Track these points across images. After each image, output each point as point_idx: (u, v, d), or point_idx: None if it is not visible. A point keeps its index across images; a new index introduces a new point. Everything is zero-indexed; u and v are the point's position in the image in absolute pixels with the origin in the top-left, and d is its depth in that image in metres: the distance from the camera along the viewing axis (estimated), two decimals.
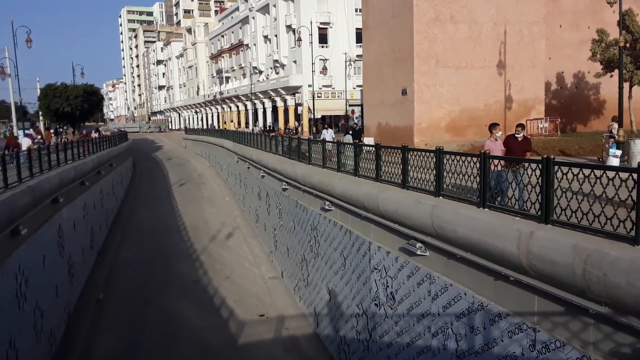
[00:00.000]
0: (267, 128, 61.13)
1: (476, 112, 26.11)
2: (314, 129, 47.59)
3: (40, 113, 67.35)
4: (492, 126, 11.40)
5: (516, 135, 11.06)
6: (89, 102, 64.43)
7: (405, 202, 10.58)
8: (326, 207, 15.55)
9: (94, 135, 45.54)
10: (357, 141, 18.20)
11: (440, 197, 9.87)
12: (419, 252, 10.04)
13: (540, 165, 7.36)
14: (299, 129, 57.55)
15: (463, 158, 9.32)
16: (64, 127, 69.02)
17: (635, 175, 6.08)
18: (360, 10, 37.03)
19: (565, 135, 27.60)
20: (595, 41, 25.01)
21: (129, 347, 17.22)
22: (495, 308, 8.05)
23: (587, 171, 6.63)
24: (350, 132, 24.18)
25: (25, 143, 23.63)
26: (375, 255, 12.37)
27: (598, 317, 6.22)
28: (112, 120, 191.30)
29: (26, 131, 40.18)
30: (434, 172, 10.06)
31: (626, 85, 21.60)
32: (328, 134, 22.86)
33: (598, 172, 6.49)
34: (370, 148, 13.66)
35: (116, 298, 21.31)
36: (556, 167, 7.17)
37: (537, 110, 27.29)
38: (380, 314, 12.23)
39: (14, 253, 12.25)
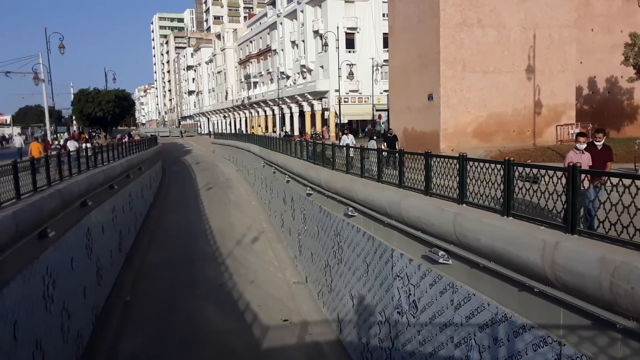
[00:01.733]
0: (286, 133, 61.45)
1: (504, 118, 25.69)
2: (340, 133, 47.55)
3: (73, 117, 69.11)
4: (579, 135, 9.49)
5: (596, 143, 9.35)
6: (120, 106, 65.73)
7: (428, 209, 10.42)
8: (349, 213, 15.47)
9: (125, 139, 46.53)
10: (401, 148, 16.69)
11: (464, 205, 9.70)
12: (441, 261, 9.87)
13: (566, 174, 7.16)
14: (325, 133, 57.56)
15: (487, 165, 9.13)
16: (97, 131, 70.60)
17: None
18: (387, 15, 36.88)
19: None
20: (628, 45, 24.37)
21: (154, 349, 17.42)
22: (520, 320, 7.84)
23: (615, 180, 6.41)
24: (374, 137, 24.03)
25: (71, 146, 25.64)
26: (398, 263, 12.23)
27: (626, 332, 5.99)
28: (143, 124, 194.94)
29: (64, 134, 41.69)
30: (457, 179, 9.89)
31: None
32: (348, 140, 22.72)
33: (627, 181, 6.26)
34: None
35: (143, 300, 21.59)
36: (582, 176, 6.96)
37: (567, 115, 26.68)
38: (402, 322, 12.07)
39: (41, 255, 12.51)
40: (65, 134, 48.41)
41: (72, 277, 15.59)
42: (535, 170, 7.98)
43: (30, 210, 11.67)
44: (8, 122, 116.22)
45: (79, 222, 17.09)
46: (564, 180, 7.22)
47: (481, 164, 9.30)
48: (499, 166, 8.73)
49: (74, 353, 15.14)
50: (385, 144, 21.64)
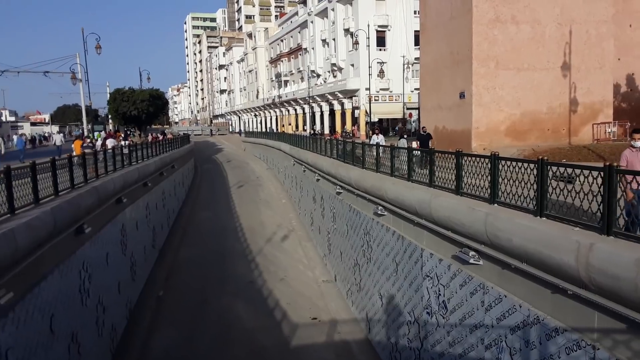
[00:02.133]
0: (313, 132, 61.46)
1: (538, 116, 25.14)
2: (370, 132, 47.37)
3: (109, 116, 70.73)
4: (635, 132, 8.80)
5: (632, 144, 8.73)
6: (154, 105, 66.93)
7: (458, 209, 10.30)
8: (379, 212, 15.41)
9: (160, 137, 47.53)
10: (431, 147, 16.23)
11: (495, 205, 9.55)
12: (472, 261, 9.74)
13: (602, 173, 6.98)
14: (355, 132, 57.40)
15: (520, 164, 8.97)
16: (132, 130, 72.13)
17: None
18: (418, 12, 36.53)
19: None
20: None
21: (185, 344, 17.72)
22: (552, 322, 7.69)
23: None
24: (405, 136, 23.85)
25: (110, 143, 26.83)
26: (428, 263, 12.13)
27: None
28: (176, 123, 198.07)
29: (102, 133, 43.06)
30: (489, 178, 9.75)
31: None
32: (378, 139, 22.58)
33: None
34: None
35: (175, 296, 21.99)
36: (619, 175, 6.77)
37: (604, 113, 25.93)
38: (432, 322, 11.98)
39: (78, 251, 12.87)
40: (103, 132, 49.80)
41: (107, 272, 16.00)
42: (570, 170, 7.80)
43: (67, 206, 12.02)
44: (47, 120, 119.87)
45: (114, 218, 17.51)
46: (599, 180, 7.04)
47: (513, 163, 9.14)
48: (532, 165, 8.56)
49: (108, 346, 15.53)
50: (418, 142, 21.18)
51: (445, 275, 11.15)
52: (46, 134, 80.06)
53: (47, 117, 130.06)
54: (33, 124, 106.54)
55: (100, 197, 15.15)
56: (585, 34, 25.05)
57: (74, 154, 18.85)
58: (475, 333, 9.95)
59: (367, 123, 54.66)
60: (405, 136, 24.04)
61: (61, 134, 47.43)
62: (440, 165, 12.29)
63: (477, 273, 9.84)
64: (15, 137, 63.94)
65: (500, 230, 8.76)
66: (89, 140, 24.83)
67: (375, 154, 17.22)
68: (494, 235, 8.94)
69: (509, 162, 9.29)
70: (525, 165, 8.76)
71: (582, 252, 6.77)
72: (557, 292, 7.56)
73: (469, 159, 10.73)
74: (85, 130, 42.81)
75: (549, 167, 8.24)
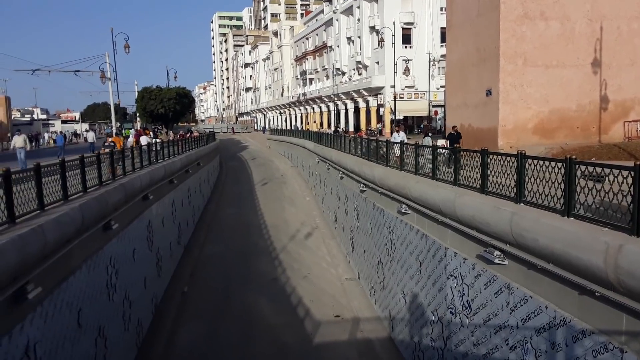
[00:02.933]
0: (335, 129, 61.31)
1: (567, 114, 24.60)
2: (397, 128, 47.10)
3: (137, 114, 71.94)
4: None
5: None
6: (180, 104, 67.92)
7: (483, 208, 10.16)
8: (403, 211, 15.31)
9: (188, 135, 48.28)
10: (457, 146, 15.16)
11: (521, 204, 9.39)
12: (497, 261, 9.61)
13: (632, 173, 6.79)
14: (382, 130, 57.16)
15: (547, 163, 8.80)
16: (159, 128, 73.24)
17: None
18: (445, 9, 36.12)
19: None
20: None
21: (209, 339, 17.92)
22: (579, 324, 7.53)
23: None
24: (430, 134, 23.63)
25: (143, 141, 27.90)
26: (452, 262, 12.00)
27: None
28: (202, 121, 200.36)
29: (132, 130, 44.12)
30: (515, 177, 9.59)
31: None
32: (399, 137, 22.32)
33: None
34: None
35: (199, 292, 22.25)
36: None
37: (636, 111, 25.23)
38: (455, 322, 11.85)
39: (105, 246, 13.12)
40: (132, 130, 50.91)
41: (134, 268, 16.27)
42: (599, 169, 7.61)
43: (95, 203, 12.25)
44: (77, 118, 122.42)
45: (141, 215, 17.79)
46: (629, 179, 6.86)
47: (540, 162, 8.98)
48: (559, 164, 8.39)
49: (134, 340, 15.80)
50: (448, 142, 20.46)
51: (470, 274, 11.02)
52: (78, 132, 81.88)
53: (77, 115, 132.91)
54: (64, 121, 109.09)
55: (127, 194, 15.40)
56: (617, 30, 24.40)
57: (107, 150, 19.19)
58: (499, 334, 9.81)
59: (392, 121, 54.35)
60: (430, 134, 23.84)
61: (93, 132, 48.56)
62: (466, 164, 12.15)
63: (502, 273, 9.70)
64: (46, 135, 65.73)
65: (526, 230, 8.61)
66: (110, 139, 24.95)
67: (398, 152, 17.10)
68: (519, 235, 8.80)
69: (535, 161, 9.13)
70: (553, 164, 8.60)
71: (611, 253, 6.61)
72: (584, 293, 7.40)
73: (495, 157, 10.57)
74: (114, 128, 43.54)
75: (577, 166, 8.06)
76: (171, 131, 65.11)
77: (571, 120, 24.65)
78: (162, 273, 20.94)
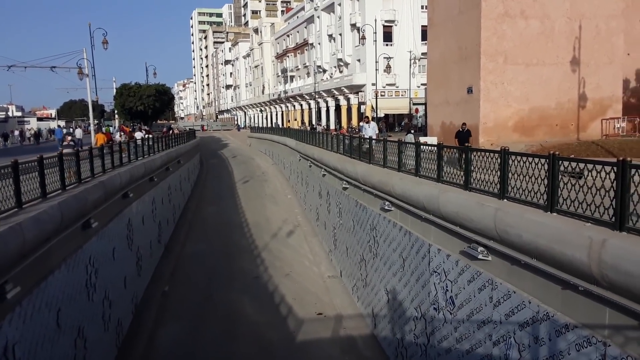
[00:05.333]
0: (312, 127, 61.21)
1: (547, 111, 24.96)
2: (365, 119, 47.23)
3: (115, 111, 70.93)
4: None
5: None
6: (160, 101, 67.19)
7: (467, 204, 10.21)
8: (386, 207, 15.33)
9: (171, 132, 48.06)
10: (467, 145, 13.91)
11: (505, 200, 9.46)
12: (480, 257, 9.65)
13: (615, 168, 6.87)
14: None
15: (530, 159, 8.88)
16: (138, 125, 72.34)
17: None
18: (426, 7, 36.30)
19: None
20: None
21: (191, 338, 17.74)
22: (562, 319, 7.60)
23: None
24: (412, 131, 23.66)
25: (138, 135, 27.94)
26: (435, 258, 12.05)
27: None
28: (182, 118, 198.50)
29: (112, 128, 43.81)
30: (498, 173, 9.65)
31: None
32: (370, 129, 21.89)
33: None
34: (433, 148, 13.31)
35: (180, 291, 22.01)
36: (633, 170, 6.66)
37: (614, 109, 25.72)
38: (439, 318, 11.90)
39: (85, 245, 12.87)
40: (112, 127, 50.57)
41: (114, 267, 16.00)
42: (582, 165, 7.68)
43: (74, 201, 12.00)
44: (53, 116, 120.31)
45: (121, 213, 17.51)
46: (612, 175, 6.93)
47: (524, 159, 9.05)
48: (542, 160, 8.46)
49: (114, 341, 15.55)
50: (457, 140, 18.72)
51: (453, 271, 11.07)
52: (67, 129, 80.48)
53: (53, 112, 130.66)
54: (39, 119, 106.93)
55: (107, 192, 15.14)
56: (595, 29, 24.81)
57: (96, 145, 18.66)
58: (483, 329, 9.87)
59: (373, 118, 54.51)
60: (412, 131, 23.94)
61: (80, 129, 47.97)
62: (449, 161, 12.20)
63: (486, 269, 9.76)
64: (16, 132, 64.26)
65: (510, 225, 8.67)
66: (69, 138, 23.15)
67: (382, 149, 17.11)
68: (503, 231, 8.85)
69: (519, 157, 9.20)
70: (536, 160, 8.67)
71: (595, 248, 6.68)
72: (567, 288, 7.46)
73: (478, 154, 10.63)
74: (91, 126, 42.84)
75: (560, 162, 8.13)
76: (145, 128, 64.45)
77: (550, 118, 25.02)
78: (142, 272, 20.66)
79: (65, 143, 21.49)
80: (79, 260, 12.42)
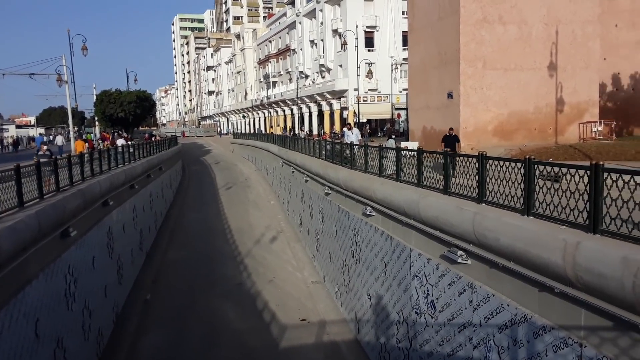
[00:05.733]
0: (293, 133, 61.24)
1: (525, 116, 25.32)
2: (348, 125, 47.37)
3: (96, 118, 70.12)
4: None
5: None
6: (141, 107, 66.47)
7: (447, 209, 10.31)
8: (367, 213, 15.40)
9: (153, 138, 47.81)
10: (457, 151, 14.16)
11: (483, 204, 9.57)
12: (460, 260, 9.75)
13: (588, 172, 7.00)
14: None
15: (507, 163, 9.01)
16: (119, 132, 71.60)
17: None
18: (406, 12, 36.63)
19: (621, 139, 26.35)
20: None
21: (173, 346, 17.58)
22: (540, 321, 7.71)
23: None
24: (393, 136, 23.82)
25: (119, 142, 27.98)
26: (416, 262, 12.13)
27: None
28: (164, 124, 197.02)
29: (92, 135, 43.56)
30: (477, 178, 9.77)
31: None
32: (353, 135, 22.00)
33: None
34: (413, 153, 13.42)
35: (163, 298, 21.81)
36: (605, 174, 6.79)
37: (590, 113, 26.18)
38: (420, 322, 11.97)
39: (63, 254, 12.71)
40: (92, 134, 50.15)
41: (94, 276, 15.82)
42: (557, 169, 7.82)
43: (52, 209, 11.86)
44: (32, 123, 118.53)
45: (101, 221, 17.33)
46: (586, 178, 7.07)
47: (501, 163, 9.18)
48: (519, 165, 8.59)
49: (95, 351, 15.35)
50: (443, 144, 18.25)
51: (434, 275, 11.16)
52: (47, 137, 79.46)
53: (32, 119, 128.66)
54: (18, 126, 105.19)
55: (86, 200, 14.99)
56: (572, 34, 25.27)
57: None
58: (463, 332, 9.96)
59: (355, 124, 54.70)
60: (393, 136, 24.08)
61: (61, 136, 47.52)
62: (429, 166, 12.32)
63: (466, 272, 9.86)
64: (25, 137, 63.18)
65: (488, 229, 8.77)
66: (45, 147, 21.66)
67: (363, 154, 17.19)
68: (481, 235, 8.96)
69: (496, 162, 9.33)
70: (513, 164, 8.80)
71: (569, 250, 6.79)
72: (544, 290, 7.58)
73: (457, 158, 10.75)
74: (71, 133, 42.31)
75: (536, 166, 8.27)
76: (124, 135, 63.86)
77: (529, 122, 25.38)
78: (123, 280, 20.45)
79: (41, 152, 20.37)
80: (58, 269, 12.26)
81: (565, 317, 7.22)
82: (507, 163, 9.01)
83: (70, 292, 13.08)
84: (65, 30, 37.35)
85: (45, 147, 21.54)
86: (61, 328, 12.13)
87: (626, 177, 6.44)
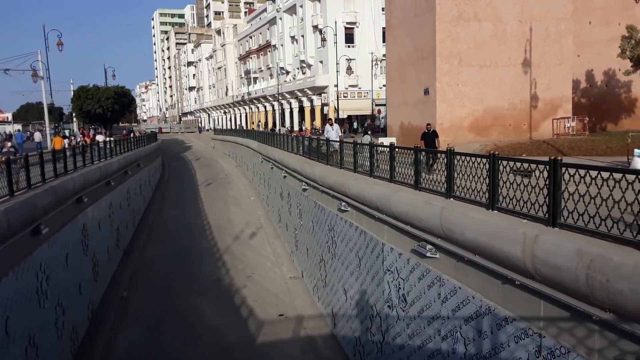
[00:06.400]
0: (272, 129, 61.25)
1: (500, 112, 25.69)
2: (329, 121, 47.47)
3: (73, 114, 69.18)
4: None
5: None
6: (119, 103, 65.79)
7: (416, 204, 10.47)
8: (342, 208, 15.51)
9: (131, 135, 47.29)
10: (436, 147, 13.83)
11: (451, 199, 9.74)
12: (429, 254, 9.92)
13: (547, 167, 7.19)
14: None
15: (473, 159, 9.18)
16: (97, 128, 70.75)
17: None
18: None
19: (594, 134, 26.87)
20: (625, 38, 24.20)
21: (150, 343, 17.52)
22: (502, 312, 7.90)
23: (595, 173, 6.45)
24: (369, 132, 23.98)
25: (100, 138, 28.28)
26: (388, 257, 12.28)
27: (602, 323, 6.03)
28: (144, 120, 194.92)
29: (67, 132, 43.04)
30: (445, 173, 9.94)
31: None
32: (333, 131, 22.14)
33: (612, 174, 6.27)
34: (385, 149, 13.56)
35: (140, 295, 21.70)
36: (563, 169, 6.99)
37: (564, 109, 26.66)
38: (392, 315, 12.14)
39: (35, 252, 12.59)
40: (68, 131, 49.54)
41: (67, 273, 15.69)
42: (525, 165, 7.99)
43: (22, 207, 11.74)
44: (9, 119, 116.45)
45: (75, 218, 17.17)
46: (546, 173, 7.26)
47: (468, 158, 9.35)
48: (484, 160, 8.77)
49: (69, 348, 15.25)
50: (423, 142, 17.50)
51: (405, 269, 11.32)
52: (9, 133, 78.07)
53: (9, 115, 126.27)
54: None
55: (58, 197, 14.84)
56: (545, 31, 25.67)
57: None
58: (432, 325, 10.13)
59: (335, 120, 54.80)
60: (369, 132, 24.22)
61: (39, 132, 46.84)
62: (402, 161, 12.44)
63: (434, 266, 10.03)
64: (3, 133, 62.11)
65: (454, 224, 8.94)
66: (9, 144, 20.89)
67: (339, 150, 17.30)
68: (448, 229, 9.12)
69: (463, 157, 9.49)
70: (479, 160, 8.97)
71: (528, 243, 6.98)
72: (506, 282, 7.76)
73: (427, 154, 10.90)
74: (47, 129, 41.74)
75: (499, 161, 8.45)
76: (109, 131, 63.17)
77: (504, 118, 25.74)
78: (99, 278, 20.29)
79: (5, 150, 19.57)
80: (29, 267, 12.15)
81: (526, 308, 7.41)
82: (473, 159, 9.19)
83: (42, 290, 12.97)
84: (41, 25, 36.75)
85: (9, 144, 20.98)
86: (33, 326, 12.04)
87: (582, 172, 6.63)
